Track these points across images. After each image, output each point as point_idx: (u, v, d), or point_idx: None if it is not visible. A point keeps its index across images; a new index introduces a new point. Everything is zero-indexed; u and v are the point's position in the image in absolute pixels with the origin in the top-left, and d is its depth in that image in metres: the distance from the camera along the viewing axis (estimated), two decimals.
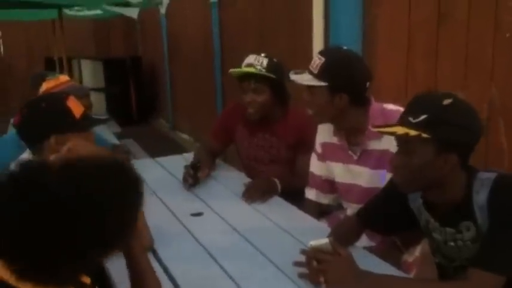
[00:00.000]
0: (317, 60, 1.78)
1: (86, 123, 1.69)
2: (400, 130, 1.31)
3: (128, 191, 0.96)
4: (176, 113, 6.94)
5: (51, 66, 5.72)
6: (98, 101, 7.61)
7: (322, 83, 1.76)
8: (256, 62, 2.25)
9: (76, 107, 1.66)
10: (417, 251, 1.76)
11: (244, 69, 2.26)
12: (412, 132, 1.29)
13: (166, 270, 1.58)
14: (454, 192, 1.37)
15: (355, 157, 1.90)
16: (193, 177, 2.28)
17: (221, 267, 1.59)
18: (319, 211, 2.14)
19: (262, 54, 2.29)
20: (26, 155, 1.67)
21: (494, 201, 1.30)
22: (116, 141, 3.92)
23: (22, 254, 0.85)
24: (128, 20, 7.26)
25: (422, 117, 1.29)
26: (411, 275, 1.70)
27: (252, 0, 4.47)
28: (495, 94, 2.29)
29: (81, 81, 7.82)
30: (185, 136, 6.48)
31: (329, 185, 2.08)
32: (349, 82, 1.78)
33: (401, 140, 1.36)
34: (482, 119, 2.31)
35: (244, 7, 4.63)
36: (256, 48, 4.08)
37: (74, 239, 0.85)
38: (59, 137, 1.61)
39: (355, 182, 1.93)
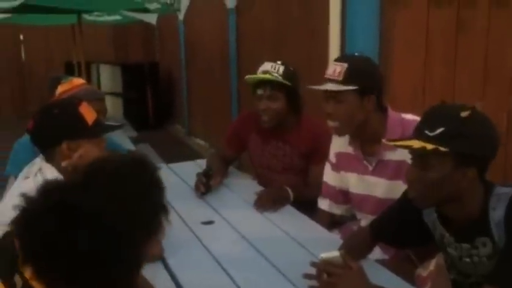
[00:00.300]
0: (338, 68, 1.75)
1: (98, 129, 1.69)
2: (417, 144, 1.27)
3: (154, 189, 1.00)
4: (192, 119, 6.97)
5: (71, 70, 5.79)
6: (115, 106, 7.70)
7: (352, 87, 1.73)
8: (272, 69, 2.24)
9: (88, 113, 1.66)
10: (431, 265, 1.71)
11: (261, 75, 2.25)
12: (429, 146, 1.24)
13: (173, 277, 1.57)
14: (471, 207, 1.33)
15: (371, 168, 1.87)
16: (206, 185, 2.26)
17: (229, 276, 1.57)
18: (332, 221, 2.11)
19: (279, 62, 2.28)
20: (39, 160, 1.68)
21: (511, 217, 1.26)
22: (131, 146, 3.95)
23: (56, 266, 0.85)
24: (146, 26, 7.36)
25: (440, 130, 1.25)
26: None
27: (268, 7, 4.47)
28: None
29: (99, 86, 7.92)
30: (201, 142, 6.49)
31: (343, 196, 2.05)
32: (376, 82, 1.79)
33: (416, 153, 1.32)
34: (501, 129, 2.28)
35: (261, 14, 4.63)
36: (273, 55, 4.08)
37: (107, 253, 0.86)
38: (71, 143, 1.61)
39: (371, 193, 1.89)
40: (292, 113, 2.32)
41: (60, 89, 2.44)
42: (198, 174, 2.31)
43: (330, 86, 1.75)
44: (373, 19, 2.98)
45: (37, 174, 1.60)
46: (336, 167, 2.03)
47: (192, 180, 2.37)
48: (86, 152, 1.62)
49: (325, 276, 1.39)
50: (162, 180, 1.05)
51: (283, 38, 4.22)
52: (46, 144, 1.66)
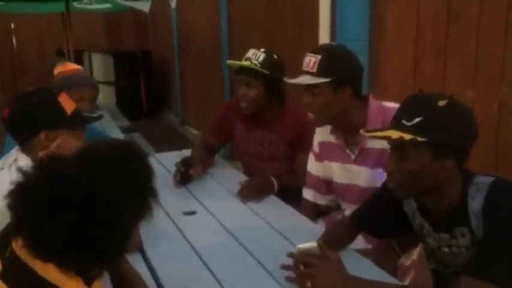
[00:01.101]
0: (312, 59, 1.73)
1: (77, 120, 1.64)
2: (394, 134, 1.25)
3: (144, 171, 1.03)
4: (185, 108, 6.93)
5: (62, 58, 5.72)
6: (108, 95, 7.64)
7: (325, 80, 1.71)
8: (253, 56, 2.22)
9: (67, 104, 1.62)
10: (414, 254, 1.70)
11: (238, 62, 2.25)
12: (407, 137, 1.22)
13: (152, 270, 1.54)
14: (450, 197, 1.31)
15: (353, 156, 1.85)
16: (184, 175, 2.23)
17: (209, 269, 1.55)
18: (316, 212, 2.08)
19: (262, 49, 2.25)
20: (14, 151, 1.63)
21: (489, 207, 1.24)
22: (119, 135, 3.91)
23: (47, 235, 0.87)
24: (139, 13, 7.26)
25: (417, 119, 1.22)
26: (408, 279, 1.64)
27: None
28: (506, 93, 2.21)
29: (91, 74, 7.84)
30: (194, 131, 6.46)
31: (326, 186, 2.02)
32: (350, 73, 1.76)
33: (394, 144, 1.29)
34: (492, 119, 2.25)
35: (252, 1, 4.58)
36: (264, 42, 4.04)
37: (97, 226, 0.88)
38: (49, 133, 1.57)
39: (354, 182, 1.88)
40: (274, 101, 2.29)
41: (55, 71, 2.42)
42: (177, 164, 2.28)
43: (304, 79, 1.74)
44: (363, 8, 2.95)
45: (12, 165, 1.56)
46: (320, 157, 2.01)
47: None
48: (64, 142, 1.57)
49: (301, 267, 1.36)
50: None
51: (274, 25, 4.18)
52: (23, 134, 1.62)
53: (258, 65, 2.20)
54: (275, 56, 2.26)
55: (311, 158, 2.06)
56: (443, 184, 1.28)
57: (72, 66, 2.43)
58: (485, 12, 2.26)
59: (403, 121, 1.25)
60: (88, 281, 0.93)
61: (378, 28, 2.91)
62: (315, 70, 1.72)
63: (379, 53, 2.92)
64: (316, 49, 1.78)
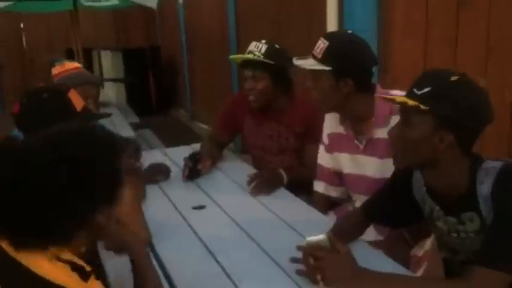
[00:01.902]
0: (321, 44, 1.70)
1: (86, 117, 1.65)
2: (400, 99, 1.27)
3: (102, 147, 1.00)
4: (195, 103, 6.93)
5: (72, 57, 5.75)
6: (118, 92, 7.67)
7: (326, 67, 1.69)
8: (255, 48, 2.21)
9: (77, 100, 1.64)
10: (427, 245, 1.68)
11: (241, 55, 2.23)
12: (410, 102, 1.23)
13: (161, 264, 1.54)
14: (456, 180, 1.30)
15: (361, 146, 1.83)
16: (192, 170, 2.22)
17: (218, 263, 1.54)
18: (328, 204, 2.07)
19: (263, 41, 2.24)
20: None
21: (498, 192, 1.22)
22: (130, 133, 3.92)
23: (14, 221, 0.90)
24: (147, 10, 7.28)
25: (426, 89, 1.23)
26: (420, 270, 1.63)
27: None
28: None
29: (101, 72, 7.89)
30: (204, 126, 6.46)
31: (338, 178, 2.01)
32: (353, 66, 1.71)
33: (403, 111, 1.31)
34: (505, 106, 2.21)
35: None
36: (272, 37, 4.02)
37: (60, 196, 0.91)
38: None
39: (363, 172, 1.86)
40: (282, 92, 2.28)
41: (53, 71, 2.42)
42: (185, 159, 2.27)
43: (308, 63, 1.72)
44: None
45: None
46: (329, 148, 1.99)
47: None
48: None
49: (311, 260, 1.35)
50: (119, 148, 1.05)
51: (282, 18, 4.15)
52: (33, 129, 1.62)
53: (261, 56, 2.19)
54: (277, 46, 2.25)
55: (321, 149, 2.04)
56: (442, 161, 1.28)
57: (71, 65, 2.42)
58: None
59: (414, 89, 1.25)
60: (83, 276, 0.93)
61: (387, 17, 2.87)
62: (320, 56, 1.70)
63: (388, 42, 2.88)
64: (328, 35, 1.76)
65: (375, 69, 2.85)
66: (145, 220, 1.63)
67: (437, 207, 1.39)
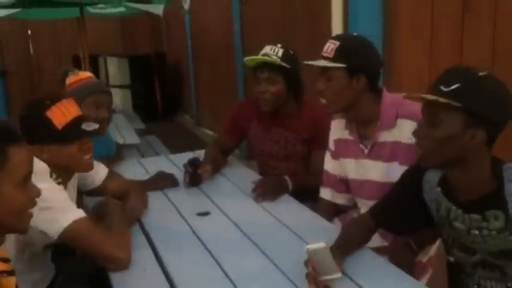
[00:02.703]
0: (331, 45, 1.73)
1: (68, 134, 1.59)
2: (430, 96, 1.25)
3: None
4: (200, 109, 6.94)
5: (78, 64, 5.77)
6: (124, 98, 7.71)
7: (340, 65, 1.70)
8: (271, 51, 2.20)
9: (58, 118, 1.57)
10: (432, 251, 1.66)
11: (259, 57, 2.21)
12: (442, 100, 1.21)
13: (165, 271, 1.53)
14: (482, 177, 1.29)
15: (366, 150, 1.82)
16: (192, 176, 2.21)
17: (223, 269, 1.53)
18: (334, 211, 2.05)
19: (279, 45, 2.23)
20: None
21: None
22: (136, 139, 3.93)
23: None
24: (153, 17, 7.30)
25: (455, 86, 1.22)
26: (425, 277, 1.61)
27: None
28: None
29: (107, 79, 7.92)
30: (209, 132, 6.46)
31: (344, 185, 2.00)
32: (366, 62, 1.73)
33: (427, 110, 1.29)
34: None
35: (264, 2, 4.57)
36: (277, 41, 4.01)
37: None
38: (41, 147, 1.56)
39: (368, 177, 1.84)
40: (292, 97, 2.27)
41: (67, 81, 2.42)
42: (184, 165, 2.26)
43: (320, 63, 1.74)
44: (376, 3, 2.90)
45: None
46: (335, 155, 1.98)
47: None
48: (52, 155, 1.57)
49: (310, 268, 1.35)
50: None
51: (287, 24, 4.16)
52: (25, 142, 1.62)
53: (279, 59, 2.18)
54: (291, 51, 2.25)
55: (327, 156, 2.03)
56: (471, 158, 1.27)
57: (84, 74, 2.42)
58: (500, 5, 2.21)
59: (441, 87, 1.24)
60: None
61: (392, 23, 2.86)
62: (331, 55, 1.72)
63: (393, 48, 2.87)
64: (337, 36, 1.79)
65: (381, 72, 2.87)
66: (129, 242, 1.61)
67: (454, 207, 1.37)
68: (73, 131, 1.60)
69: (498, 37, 2.25)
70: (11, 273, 0.97)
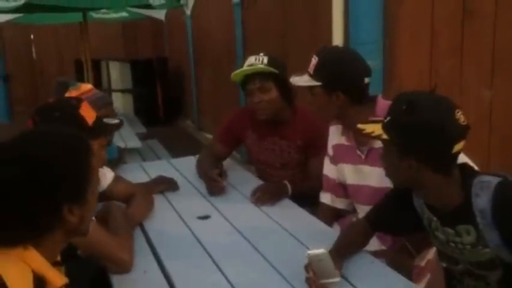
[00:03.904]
0: (313, 61, 1.78)
1: (99, 129, 1.67)
2: (370, 128, 1.33)
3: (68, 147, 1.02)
4: (201, 114, 6.96)
5: (81, 68, 5.81)
6: (126, 103, 7.73)
7: (317, 83, 1.76)
8: (256, 61, 2.21)
9: (88, 114, 1.65)
10: (429, 254, 1.67)
11: (247, 68, 2.21)
12: (376, 133, 1.31)
13: (166, 274, 1.54)
14: (447, 196, 1.32)
15: (363, 156, 1.84)
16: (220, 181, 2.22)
17: (223, 273, 1.54)
18: (334, 216, 2.06)
19: (261, 53, 2.24)
20: None
21: (501, 208, 1.22)
22: (137, 143, 3.95)
23: None
24: (155, 22, 7.35)
25: (387, 118, 1.30)
26: (423, 281, 1.64)
27: (272, 0, 4.42)
28: None
29: (109, 83, 7.95)
30: (210, 136, 6.47)
31: (343, 189, 2.01)
32: (341, 80, 1.75)
33: None
34: (511, 117, 2.20)
35: (266, 8, 4.60)
36: (278, 49, 4.04)
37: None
38: None
39: (366, 182, 1.86)
40: (286, 104, 2.28)
41: (68, 94, 2.43)
42: (211, 174, 2.24)
43: (302, 79, 1.80)
44: (376, 9, 2.92)
45: None
46: (334, 160, 2.00)
47: (192, 175, 2.37)
48: None
49: (311, 273, 1.37)
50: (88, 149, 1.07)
51: (288, 29, 4.18)
52: None
53: (267, 67, 2.18)
54: (274, 57, 2.26)
55: (327, 161, 2.05)
56: (425, 183, 1.31)
57: (86, 87, 2.44)
58: (501, 9, 2.22)
59: (386, 117, 1.31)
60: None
61: (392, 29, 2.88)
62: (312, 72, 1.77)
63: (394, 53, 2.89)
64: (319, 51, 1.81)
65: (380, 78, 2.88)
66: (133, 246, 1.63)
67: (435, 218, 1.40)
68: (100, 126, 1.67)
69: (499, 41, 2.26)
70: (67, 286, 0.99)
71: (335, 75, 1.74)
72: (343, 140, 1.91)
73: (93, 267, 1.58)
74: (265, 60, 2.20)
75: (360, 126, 1.39)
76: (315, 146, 2.18)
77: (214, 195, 2.19)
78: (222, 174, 2.28)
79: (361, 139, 1.84)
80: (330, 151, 2.01)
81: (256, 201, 2.08)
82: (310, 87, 1.78)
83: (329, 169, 2.04)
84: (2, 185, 0.92)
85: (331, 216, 2.05)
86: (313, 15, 3.73)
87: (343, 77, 1.74)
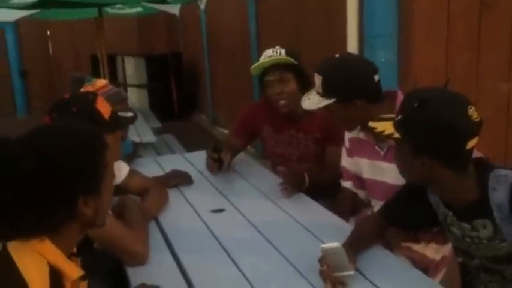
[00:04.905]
0: (317, 80, 1.74)
1: (114, 123, 1.69)
2: (381, 127, 1.32)
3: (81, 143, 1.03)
4: (216, 108, 6.98)
5: (96, 63, 5.87)
6: (141, 98, 7.79)
7: (331, 100, 1.72)
8: (274, 53, 2.22)
9: (104, 108, 1.67)
10: (446, 250, 1.65)
11: (267, 59, 2.21)
12: (387, 131, 1.29)
13: (181, 267, 1.56)
14: (462, 191, 1.31)
15: (382, 153, 1.82)
16: (218, 160, 2.26)
17: (237, 267, 1.55)
18: (356, 202, 2.05)
19: (277, 46, 2.25)
20: None
21: None
22: (152, 138, 3.98)
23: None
24: (170, 16, 7.39)
25: (399, 116, 1.29)
26: (439, 275, 1.64)
27: None
28: None
29: (124, 78, 8.01)
30: (225, 131, 6.49)
31: (360, 181, 2.00)
32: (353, 88, 1.70)
33: None
34: None
35: (280, 1, 4.59)
36: (292, 42, 4.03)
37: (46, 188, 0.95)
38: None
39: (382, 178, 1.85)
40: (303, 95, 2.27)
41: (84, 90, 2.46)
42: (208, 152, 2.29)
43: (314, 101, 1.75)
44: (391, 2, 2.89)
45: None
46: (350, 153, 1.99)
47: (206, 169, 2.39)
48: None
49: (325, 266, 1.37)
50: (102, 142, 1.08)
51: (302, 25, 4.16)
52: None
53: (287, 57, 2.19)
54: (291, 49, 2.27)
55: (344, 153, 2.04)
56: (439, 179, 1.29)
57: (101, 83, 2.47)
58: None
59: (398, 115, 1.30)
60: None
61: (407, 22, 2.85)
62: (320, 91, 1.73)
63: (409, 48, 2.86)
64: (319, 68, 1.75)
65: (395, 73, 2.85)
66: (148, 238, 1.65)
67: (450, 213, 1.39)
68: (116, 120, 1.69)
69: None
70: (83, 277, 1.01)
71: (346, 85, 1.69)
72: (360, 135, 1.90)
73: (109, 259, 1.60)
74: (283, 52, 2.21)
75: (371, 124, 1.38)
76: (334, 136, 2.18)
77: (211, 171, 2.31)
78: (224, 153, 2.30)
79: (379, 136, 1.82)
80: (347, 143, 2.00)
81: (283, 190, 2.08)
82: (325, 107, 1.74)
83: (346, 161, 2.03)
84: (19, 177, 0.93)
85: (352, 200, 2.04)
86: (327, 8, 3.71)
87: (354, 84, 1.69)
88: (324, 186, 2.16)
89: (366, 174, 1.92)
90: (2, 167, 0.93)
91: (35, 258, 0.94)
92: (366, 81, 1.72)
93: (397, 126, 1.28)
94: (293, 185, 2.11)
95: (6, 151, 0.95)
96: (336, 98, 1.70)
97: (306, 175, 2.18)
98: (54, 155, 0.97)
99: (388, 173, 1.81)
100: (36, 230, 0.96)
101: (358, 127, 1.89)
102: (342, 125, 1.85)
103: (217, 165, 2.29)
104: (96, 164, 1.04)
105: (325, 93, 1.71)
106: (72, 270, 0.98)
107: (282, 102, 2.25)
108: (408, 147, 1.28)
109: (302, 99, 1.83)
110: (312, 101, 1.76)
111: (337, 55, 1.80)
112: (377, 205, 1.90)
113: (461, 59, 2.54)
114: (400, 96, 1.77)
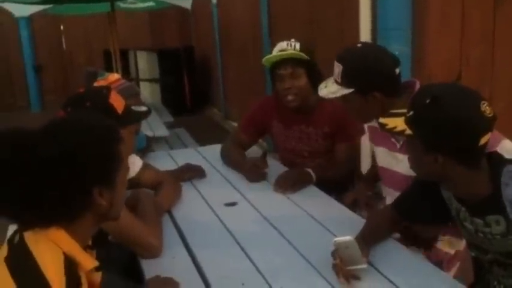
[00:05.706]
0: (336, 69, 1.70)
1: (128, 117, 1.69)
2: (392, 123, 1.30)
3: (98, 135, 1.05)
4: (228, 102, 6.98)
5: (109, 58, 5.91)
6: (153, 92, 7.83)
7: (349, 90, 1.68)
8: (288, 47, 2.19)
9: (118, 103, 1.68)
10: (460, 245, 1.64)
11: (280, 53, 2.19)
12: (398, 128, 1.28)
13: (194, 260, 1.57)
14: (475, 187, 1.29)
15: (398, 145, 1.81)
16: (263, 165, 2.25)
17: (250, 260, 1.56)
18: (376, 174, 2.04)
19: (292, 40, 2.22)
20: None
21: None
22: (165, 132, 4.01)
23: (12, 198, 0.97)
24: (182, 10, 7.38)
25: (410, 113, 1.26)
26: (453, 269, 1.63)
27: None
28: None
29: (137, 73, 8.05)
30: (237, 125, 6.50)
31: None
32: (373, 80, 1.65)
33: None
34: None
35: None
36: (304, 36, 4.01)
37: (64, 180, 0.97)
38: None
39: (398, 169, 1.83)
40: (313, 92, 2.26)
41: (97, 84, 2.48)
42: (254, 160, 2.28)
43: (331, 89, 1.72)
44: None
45: None
46: (370, 139, 1.99)
47: (218, 163, 2.41)
48: None
49: (337, 260, 1.37)
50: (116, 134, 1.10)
51: (314, 18, 4.14)
52: None
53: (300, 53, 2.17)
54: (305, 44, 2.24)
55: (366, 140, 2.02)
56: (451, 176, 1.28)
57: (113, 77, 2.48)
58: None
59: (409, 111, 1.27)
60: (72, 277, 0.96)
61: (421, 14, 2.82)
62: (339, 80, 1.70)
63: (423, 41, 2.83)
64: (340, 57, 1.72)
65: (408, 67, 2.83)
66: (161, 231, 1.67)
67: (463, 209, 1.38)
68: (130, 114, 1.70)
69: None
70: (98, 268, 1.03)
71: (366, 76, 1.64)
72: (377, 125, 1.89)
73: (124, 252, 1.62)
74: (297, 46, 2.18)
75: (381, 120, 1.35)
76: (344, 131, 2.16)
77: (254, 181, 2.22)
78: (263, 161, 2.28)
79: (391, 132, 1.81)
80: (366, 130, 2.00)
81: (279, 189, 2.09)
82: (342, 96, 1.71)
83: (367, 146, 2.01)
84: (38, 165, 0.95)
85: (374, 174, 2.04)
86: (340, 1, 3.68)
87: (375, 76, 1.65)
88: (332, 182, 2.16)
89: (381, 163, 1.91)
90: (22, 155, 0.95)
91: (50, 247, 0.96)
92: (387, 73, 1.67)
93: (409, 122, 1.26)
94: (292, 184, 2.11)
95: (26, 140, 0.97)
96: (354, 89, 1.67)
97: (311, 172, 2.18)
98: (72, 145, 0.98)
99: (403, 164, 1.79)
100: (52, 219, 0.98)
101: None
102: (356, 117, 1.81)
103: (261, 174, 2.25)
104: (112, 156, 1.06)
105: (343, 83, 1.68)
106: (87, 261, 1.00)
107: (290, 97, 2.23)
108: (420, 144, 1.26)
109: (319, 88, 1.79)
110: (330, 89, 1.73)
111: (359, 44, 1.77)
112: (388, 194, 1.90)
113: (475, 52, 2.51)
114: (418, 86, 1.75)
